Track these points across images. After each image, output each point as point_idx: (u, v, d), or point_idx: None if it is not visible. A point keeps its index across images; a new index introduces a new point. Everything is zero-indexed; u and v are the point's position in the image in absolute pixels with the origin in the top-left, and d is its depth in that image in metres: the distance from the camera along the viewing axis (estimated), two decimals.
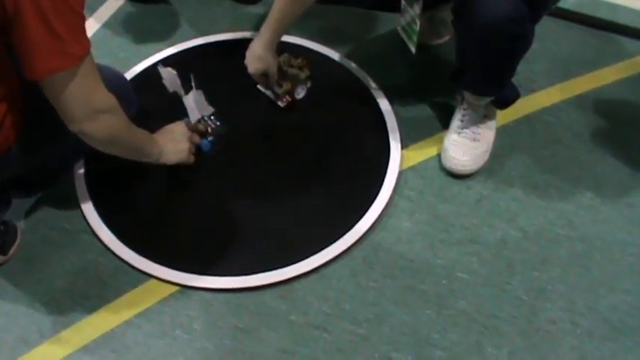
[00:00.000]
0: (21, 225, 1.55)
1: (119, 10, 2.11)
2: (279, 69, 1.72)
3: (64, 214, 1.58)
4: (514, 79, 1.59)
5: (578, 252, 1.52)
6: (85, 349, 1.37)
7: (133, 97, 1.57)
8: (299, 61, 1.77)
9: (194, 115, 1.68)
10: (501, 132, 1.72)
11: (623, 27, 2.00)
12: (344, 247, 1.51)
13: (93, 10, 2.08)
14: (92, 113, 1.22)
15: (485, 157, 1.67)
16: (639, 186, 1.64)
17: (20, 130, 1.29)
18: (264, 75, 1.70)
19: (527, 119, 1.78)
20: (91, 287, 1.46)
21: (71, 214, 1.58)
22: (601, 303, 1.44)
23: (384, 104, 1.78)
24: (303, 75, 1.76)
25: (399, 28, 1.75)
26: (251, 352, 1.37)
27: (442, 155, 1.67)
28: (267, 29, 1.62)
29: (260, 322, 1.41)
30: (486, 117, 1.67)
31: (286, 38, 1.77)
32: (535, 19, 1.43)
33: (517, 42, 1.43)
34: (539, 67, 1.89)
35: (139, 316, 1.42)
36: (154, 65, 1.80)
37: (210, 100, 1.71)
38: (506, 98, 1.66)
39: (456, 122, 1.68)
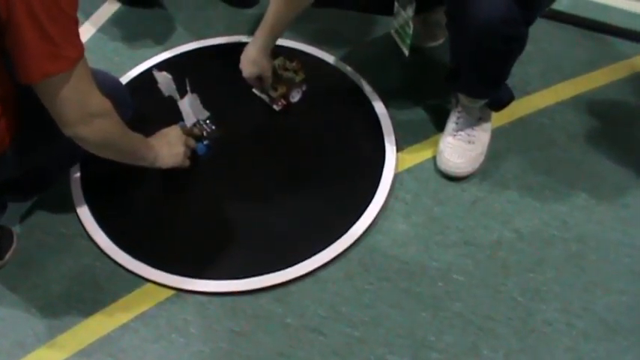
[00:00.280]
0: (16, 229, 1.55)
1: (114, 14, 2.11)
2: (274, 72, 1.73)
3: (60, 219, 1.58)
4: (508, 81, 1.59)
5: (573, 253, 1.52)
6: (82, 353, 1.37)
7: (128, 102, 1.57)
8: (294, 64, 1.77)
9: (189, 119, 1.68)
10: (496, 134, 1.73)
11: (616, 28, 2.01)
12: (340, 250, 1.51)
13: (88, 15, 2.08)
14: (86, 117, 1.22)
15: (481, 159, 1.67)
16: (634, 186, 1.64)
17: (15, 133, 1.29)
18: (259, 79, 1.70)
19: (522, 121, 1.78)
20: (87, 291, 1.46)
21: (67, 219, 1.58)
22: (596, 304, 1.44)
23: (379, 107, 1.78)
24: (298, 78, 1.76)
25: (392, 31, 1.75)
26: (247, 355, 1.37)
27: (437, 158, 1.67)
28: (261, 33, 1.62)
29: (256, 325, 1.41)
30: (481, 119, 1.68)
31: (281, 41, 1.78)
32: (529, 21, 1.43)
33: (511, 44, 1.43)
34: (533, 69, 1.89)
35: (135, 320, 1.42)
36: (150, 69, 1.80)
37: (206, 104, 1.71)
38: (500, 100, 1.66)
39: (450, 125, 1.68)
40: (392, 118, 1.76)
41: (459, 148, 1.64)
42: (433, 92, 1.83)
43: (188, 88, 1.64)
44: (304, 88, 1.79)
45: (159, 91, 1.63)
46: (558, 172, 1.68)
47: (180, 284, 1.46)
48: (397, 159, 1.68)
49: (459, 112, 1.68)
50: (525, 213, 1.59)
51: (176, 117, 1.66)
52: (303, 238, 1.53)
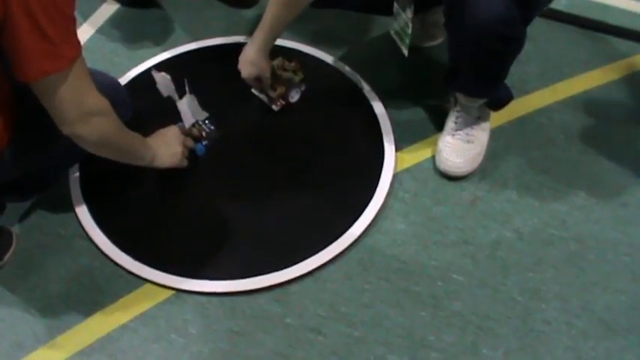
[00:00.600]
0: (16, 230, 1.55)
1: (113, 15, 2.11)
2: (273, 72, 1.72)
3: (59, 219, 1.58)
4: (507, 81, 1.59)
5: (572, 252, 1.52)
6: (81, 353, 1.37)
7: (127, 102, 1.57)
8: (293, 64, 1.77)
9: (188, 120, 1.68)
10: (495, 133, 1.73)
11: (615, 28, 2.01)
12: (339, 250, 1.51)
13: (87, 16, 2.08)
14: (84, 115, 1.22)
15: (479, 158, 1.67)
16: (632, 185, 1.64)
17: (13, 133, 1.29)
18: (258, 79, 1.70)
19: (521, 121, 1.78)
20: (86, 292, 1.46)
21: (66, 219, 1.58)
22: (596, 303, 1.44)
23: (377, 107, 1.78)
24: (296, 78, 1.76)
25: (391, 32, 1.75)
26: (246, 355, 1.37)
27: (436, 157, 1.67)
28: (260, 34, 1.62)
29: (255, 325, 1.41)
30: (480, 119, 1.68)
31: (280, 42, 1.77)
32: (527, 21, 1.43)
33: (509, 44, 1.43)
34: (532, 69, 1.89)
35: (134, 320, 1.42)
36: (148, 70, 1.80)
37: (204, 104, 1.71)
38: (499, 100, 1.66)
39: (449, 124, 1.68)
40: (391, 117, 1.76)
41: (458, 147, 1.64)
42: (432, 92, 1.83)
43: (187, 89, 1.64)
44: (303, 88, 1.79)
45: (158, 91, 1.63)
46: (557, 171, 1.68)
47: (179, 284, 1.46)
48: (396, 159, 1.68)
49: (457, 111, 1.68)
50: (524, 212, 1.59)
51: (175, 117, 1.66)
52: (302, 237, 1.53)
